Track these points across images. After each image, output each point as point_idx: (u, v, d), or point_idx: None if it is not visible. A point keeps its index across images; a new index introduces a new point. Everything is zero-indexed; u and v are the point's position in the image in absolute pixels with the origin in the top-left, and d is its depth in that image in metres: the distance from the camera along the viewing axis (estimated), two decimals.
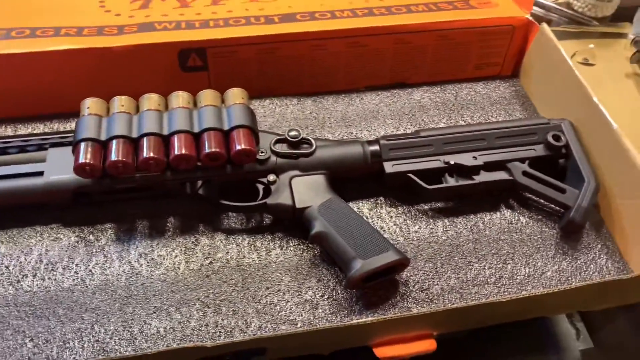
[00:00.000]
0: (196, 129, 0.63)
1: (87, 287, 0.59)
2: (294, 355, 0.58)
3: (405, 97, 0.82)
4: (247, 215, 0.67)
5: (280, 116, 0.78)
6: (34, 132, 0.73)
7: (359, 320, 0.56)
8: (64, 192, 0.62)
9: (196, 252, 0.63)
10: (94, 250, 0.62)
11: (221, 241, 0.64)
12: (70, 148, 0.63)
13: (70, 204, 0.63)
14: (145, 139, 0.61)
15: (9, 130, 0.73)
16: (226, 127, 0.63)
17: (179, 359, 0.53)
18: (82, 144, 0.60)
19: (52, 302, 0.58)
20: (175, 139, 0.62)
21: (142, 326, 0.56)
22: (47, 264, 0.61)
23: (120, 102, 0.64)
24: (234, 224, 0.66)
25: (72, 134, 0.65)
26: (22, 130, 0.73)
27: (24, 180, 0.62)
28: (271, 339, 0.54)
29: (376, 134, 0.76)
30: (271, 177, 0.65)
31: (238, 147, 0.62)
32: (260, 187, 0.66)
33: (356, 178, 0.69)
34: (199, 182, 0.64)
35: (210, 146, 0.62)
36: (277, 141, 0.67)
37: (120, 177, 0.61)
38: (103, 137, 0.61)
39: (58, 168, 0.63)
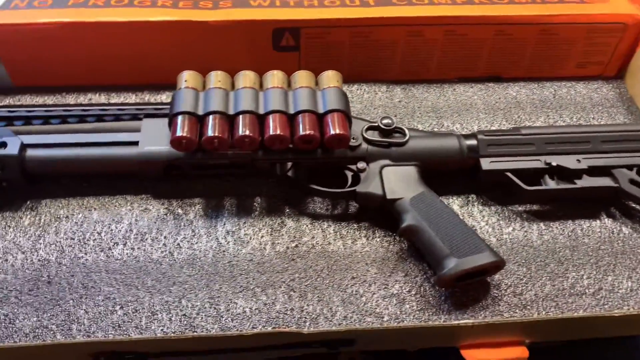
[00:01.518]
0: (291, 110, 0.62)
1: (175, 260, 0.59)
2: (380, 349, 0.57)
3: (500, 91, 0.78)
4: (333, 201, 0.65)
5: (368, 103, 0.76)
6: (127, 101, 0.74)
7: (450, 323, 0.54)
8: (157, 163, 0.62)
9: (282, 234, 0.62)
10: (182, 224, 0.62)
11: (307, 225, 0.63)
12: (164, 120, 0.63)
13: (160, 176, 0.63)
14: (241, 116, 0.61)
15: (102, 98, 0.74)
16: (321, 111, 0.62)
17: (271, 341, 0.53)
18: (180, 117, 0.60)
19: (142, 272, 0.58)
20: (271, 118, 0.61)
21: (229, 305, 0.56)
22: (137, 234, 0.61)
23: (217, 78, 0.64)
24: (319, 209, 0.65)
25: (166, 106, 0.65)
26: (115, 99, 0.74)
27: (119, 148, 0.62)
28: (364, 331, 0.53)
29: (469, 128, 0.73)
30: (361, 165, 0.63)
31: (332, 132, 0.60)
32: (349, 174, 0.64)
33: (446, 173, 0.66)
34: (289, 164, 0.64)
35: (305, 128, 0.60)
36: (369, 128, 0.65)
37: (214, 153, 0.61)
38: (200, 112, 0.61)
39: (152, 139, 0.63)
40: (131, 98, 0.74)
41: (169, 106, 0.65)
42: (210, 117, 0.60)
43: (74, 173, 0.64)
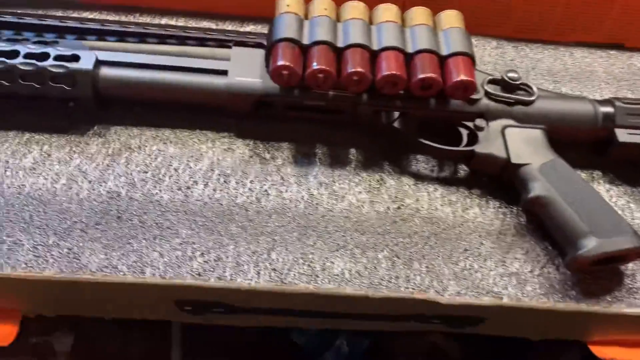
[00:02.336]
0: (409, 49, 0.53)
1: (262, 207, 0.51)
2: (502, 334, 0.49)
3: (623, 60, 0.69)
4: (439, 162, 0.57)
5: (477, 59, 0.67)
6: (211, 27, 0.65)
7: (581, 307, 0.46)
8: (248, 97, 0.54)
9: (382, 193, 0.54)
10: (269, 169, 0.54)
11: (409, 186, 0.55)
12: (256, 51, 0.55)
13: (247, 113, 0.56)
14: (351, 50, 0.52)
15: (180, 23, 0.66)
16: (444, 53, 0.54)
17: (391, 308, 0.45)
18: (282, 44, 0.52)
19: (225, 217, 0.50)
20: (385, 56, 0.52)
21: (324, 263, 0.48)
22: (219, 175, 0.53)
23: (323, 5, 0.55)
24: (423, 170, 0.56)
25: (256, 37, 0.57)
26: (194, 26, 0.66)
27: (205, 77, 0.54)
28: (506, 308, 0.46)
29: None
30: (479, 122, 0.55)
31: (457, 78, 0.51)
32: (464, 132, 0.56)
33: (571, 143, 0.57)
34: (396, 114, 0.55)
35: (424, 70, 0.52)
36: (492, 81, 0.56)
37: (314, 90, 0.53)
38: (305, 41, 0.53)
39: (244, 70, 0.55)
40: (212, 27, 0.66)
41: (259, 36, 0.57)
42: (316, 47, 0.52)
43: (151, 100, 0.55)
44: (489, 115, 0.55)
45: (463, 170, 0.56)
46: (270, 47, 0.52)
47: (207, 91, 0.54)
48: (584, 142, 0.57)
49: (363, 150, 0.57)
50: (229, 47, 0.56)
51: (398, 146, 0.57)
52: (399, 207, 0.53)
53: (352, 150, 0.57)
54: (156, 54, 0.56)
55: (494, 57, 0.67)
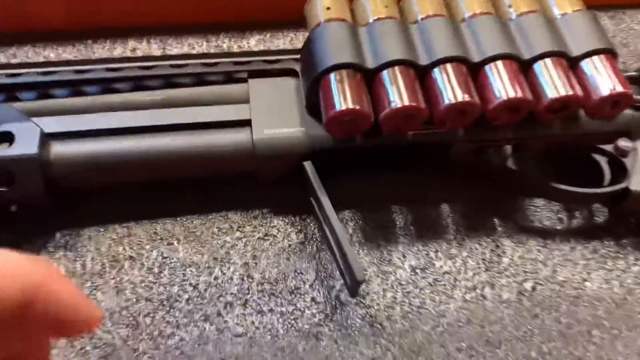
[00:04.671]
0: (524, 54, 0.36)
1: (343, 324, 0.34)
2: None
3: None
4: (568, 209, 0.41)
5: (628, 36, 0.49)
6: (206, 52, 0.46)
7: None
8: (286, 158, 0.35)
9: (504, 268, 0.37)
10: (320, 256, 0.37)
11: (538, 250, 0.38)
12: (284, 81, 0.37)
13: (282, 178, 0.38)
14: (442, 69, 0.34)
15: (155, 49, 0.45)
16: (573, 53, 0.36)
17: None
18: (336, 75, 0.33)
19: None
20: (496, 71, 0.34)
21: None
22: (262, 285, 0.36)
23: (382, 1, 0.37)
24: (547, 220, 0.39)
25: (283, 56, 0.38)
26: (176, 49, 0.45)
27: (215, 135, 0.35)
28: None
29: None
30: (623, 143, 0.38)
31: (606, 92, 0.34)
32: (602, 160, 0.39)
33: None
34: (508, 148, 0.38)
35: (557, 86, 0.33)
36: (632, 80, 0.39)
37: (388, 135, 0.36)
38: (370, 63, 0.34)
39: (272, 115, 0.36)
40: (201, 47, 0.47)
41: (282, 54, 0.38)
42: (390, 71, 0.34)
43: (136, 180, 0.36)
44: (635, 132, 0.38)
45: (599, 211, 0.40)
46: (316, 79, 0.34)
47: (221, 156, 0.35)
48: None
49: (460, 206, 0.39)
50: (243, 79, 0.38)
51: (505, 193, 0.40)
52: (533, 288, 0.37)
53: (444, 208, 0.40)
54: (134, 108, 0.37)
55: None
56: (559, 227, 0.39)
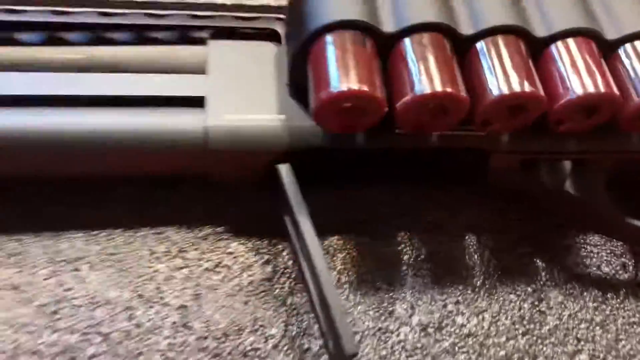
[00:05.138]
0: (605, 32, 0.25)
1: None
2: None
3: None
4: (632, 252, 0.31)
5: None
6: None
7: None
8: (256, 156, 0.24)
9: (547, 329, 0.27)
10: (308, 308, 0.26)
11: (596, 309, 0.28)
12: (260, 47, 0.26)
13: (252, 182, 0.27)
14: (493, 41, 0.24)
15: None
16: None
17: None
18: (335, 38, 0.22)
19: None
20: (566, 53, 0.24)
21: None
22: (205, 338, 0.25)
23: None
24: (607, 267, 0.29)
25: (257, 13, 0.27)
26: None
27: (149, 115, 0.24)
28: None
29: None
30: None
31: None
32: None
33: None
34: (564, 167, 0.28)
35: None
36: None
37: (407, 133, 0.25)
38: (388, 26, 0.23)
39: (239, 94, 0.26)
40: None
41: (270, 14, 0.27)
42: (415, 40, 0.23)
43: (33, 173, 0.26)
44: None
45: None
46: (305, 44, 0.23)
47: (157, 147, 0.24)
48: None
49: (493, 239, 0.29)
50: (202, 42, 0.27)
51: (549, 225, 0.30)
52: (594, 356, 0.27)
53: (472, 241, 0.29)
54: (42, 70, 0.25)
55: None
56: (622, 277, 0.29)
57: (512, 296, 0.27)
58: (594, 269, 0.29)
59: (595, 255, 0.29)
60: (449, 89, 0.21)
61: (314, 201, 0.25)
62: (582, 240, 0.29)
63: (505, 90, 0.22)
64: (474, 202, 0.29)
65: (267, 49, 0.26)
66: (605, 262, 0.29)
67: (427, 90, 0.21)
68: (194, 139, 0.24)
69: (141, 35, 0.26)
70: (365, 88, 0.21)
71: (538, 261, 0.28)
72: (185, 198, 0.27)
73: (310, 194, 0.25)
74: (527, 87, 0.22)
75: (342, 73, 0.21)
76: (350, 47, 0.22)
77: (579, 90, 0.22)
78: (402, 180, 0.27)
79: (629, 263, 0.29)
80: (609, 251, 0.29)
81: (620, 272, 0.29)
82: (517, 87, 0.22)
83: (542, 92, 0.22)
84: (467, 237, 0.28)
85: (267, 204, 0.26)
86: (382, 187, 0.28)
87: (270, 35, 0.26)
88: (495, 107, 0.22)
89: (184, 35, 0.26)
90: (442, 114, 0.22)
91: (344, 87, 0.21)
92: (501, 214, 0.29)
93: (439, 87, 0.21)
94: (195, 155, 0.24)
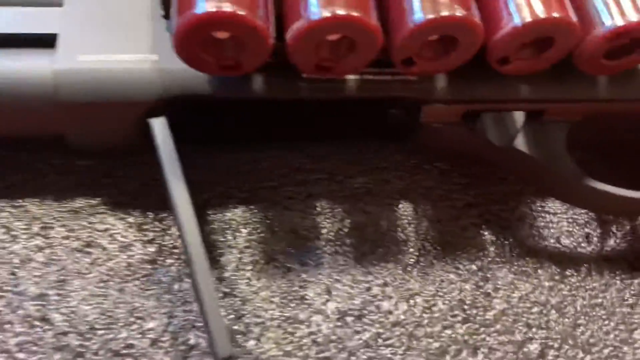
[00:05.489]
0: None
1: None
2: None
3: None
4: (601, 221, 0.26)
5: None
6: None
7: None
8: (123, 109, 0.19)
9: (492, 315, 0.23)
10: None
11: (551, 288, 0.24)
12: None
13: (123, 145, 0.22)
14: None
15: None
16: None
17: None
18: None
19: None
20: None
21: None
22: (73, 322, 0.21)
23: None
24: (567, 240, 0.25)
25: None
26: None
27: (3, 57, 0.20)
28: None
29: None
30: None
31: None
32: None
33: None
34: (518, 116, 0.23)
35: (623, 10, 0.20)
36: None
37: (310, 76, 0.20)
38: None
39: (102, 27, 0.21)
40: None
41: None
42: None
43: None
44: None
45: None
46: None
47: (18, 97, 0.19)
48: None
49: (429, 207, 0.24)
50: None
51: (503, 191, 0.25)
52: (542, 354, 0.22)
53: (404, 210, 0.24)
54: None
55: None
56: (584, 250, 0.25)
57: (451, 276, 0.23)
58: (552, 241, 0.24)
59: (554, 226, 0.25)
60: (353, 13, 0.16)
61: (212, 165, 0.21)
62: (539, 208, 0.25)
63: (430, 15, 0.17)
64: (409, 164, 0.24)
65: None
66: (565, 233, 0.24)
67: (326, 14, 0.16)
68: (41, 86, 0.19)
69: None
70: (238, 10, 0.16)
71: (485, 234, 0.24)
72: (51, 163, 0.22)
73: (207, 156, 0.20)
74: (458, 11, 0.17)
75: None
76: None
77: (525, 16, 0.18)
78: (315, 139, 0.22)
79: (594, 234, 0.25)
80: (570, 220, 0.25)
81: (583, 244, 0.24)
82: (444, 11, 0.17)
83: (477, 18, 0.17)
84: (399, 206, 0.24)
85: (155, 170, 0.21)
86: (291, 146, 0.23)
87: None
88: (417, 38, 0.17)
89: None
90: (350, 49, 0.17)
91: (211, 8, 0.16)
92: (442, 178, 0.24)
93: (341, 11, 0.16)
94: (45, 110, 0.19)
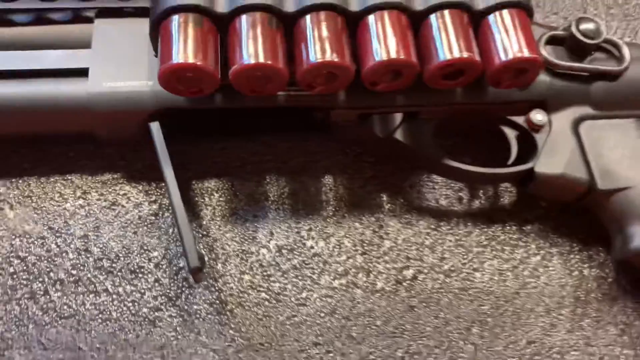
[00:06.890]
0: (415, 4, 0.30)
1: (191, 316, 0.31)
2: None
3: None
4: (471, 187, 0.36)
5: None
6: None
7: None
8: (133, 115, 0.30)
9: (384, 252, 0.33)
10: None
11: (428, 233, 0.34)
12: (137, 23, 0.31)
13: (131, 138, 0.32)
14: (311, 18, 0.28)
15: None
16: (479, 6, 0.30)
17: None
18: (177, 19, 0.27)
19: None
20: (375, 24, 0.28)
21: None
22: (102, 260, 0.32)
23: None
24: (445, 200, 0.35)
25: None
26: None
27: (41, 84, 0.29)
28: None
29: None
30: (536, 116, 0.33)
31: (509, 56, 0.28)
32: (511, 134, 0.34)
33: None
34: (397, 117, 0.33)
35: (451, 47, 0.28)
36: (552, 40, 0.33)
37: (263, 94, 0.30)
38: (222, 7, 0.28)
39: (118, 64, 0.30)
40: None
41: None
42: (244, 19, 0.28)
43: None
44: (552, 102, 0.33)
45: (507, 191, 0.36)
46: (155, 22, 0.28)
47: (51, 111, 0.30)
48: None
49: (345, 179, 0.34)
50: (89, 20, 0.32)
51: (400, 167, 0.35)
52: (414, 276, 0.33)
53: (327, 181, 0.35)
54: None
55: None
56: (456, 208, 0.34)
57: (357, 224, 0.33)
58: (432, 202, 0.34)
59: (435, 191, 0.35)
60: (269, 61, 0.26)
61: (193, 152, 0.31)
62: (426, 179, 0.35)
63: (319, 58, 0.27)
64: (333, 149, 0.34)
65: (144, 24, 0.30)
66: (443, 196, 0.34)
67: (252, 61, 0.26)
68: (80, 102, 0.29)
69: (39, 15, 0.31)
70: (197, 62, 0.26)
71: (384, 196, 0.34)
72: (88, 150, 0.33)
73: (192, 146, 0.31)
74: (335, 57, 0.27)
75: (181, 48, 0.26)
76: (190, 25, 0.27)
77: (382, 56, 0.27)
78: (264, 133, 0.32)
79: (465, 197, 0.35)
80: (448, 187, 0.35)
81: (456, 204, 0.34)
82: (328, 57, 0.27)
83: (348, 61, 0.27)
84: (325, 178, 0.34)
85: (154, 156, 0.32)
86: (250, 138, 0.33)
87: (145, 12, 0.31)
88: (312, 73, 0.27)
89: (77, 16, 0.31)
90: (268, 80, 0.27)
91: (180, 60, 0.26)
92: (355, 159, 0.34)
93: (261, 59, 0.26)
94: (82, 118, 0.29)
